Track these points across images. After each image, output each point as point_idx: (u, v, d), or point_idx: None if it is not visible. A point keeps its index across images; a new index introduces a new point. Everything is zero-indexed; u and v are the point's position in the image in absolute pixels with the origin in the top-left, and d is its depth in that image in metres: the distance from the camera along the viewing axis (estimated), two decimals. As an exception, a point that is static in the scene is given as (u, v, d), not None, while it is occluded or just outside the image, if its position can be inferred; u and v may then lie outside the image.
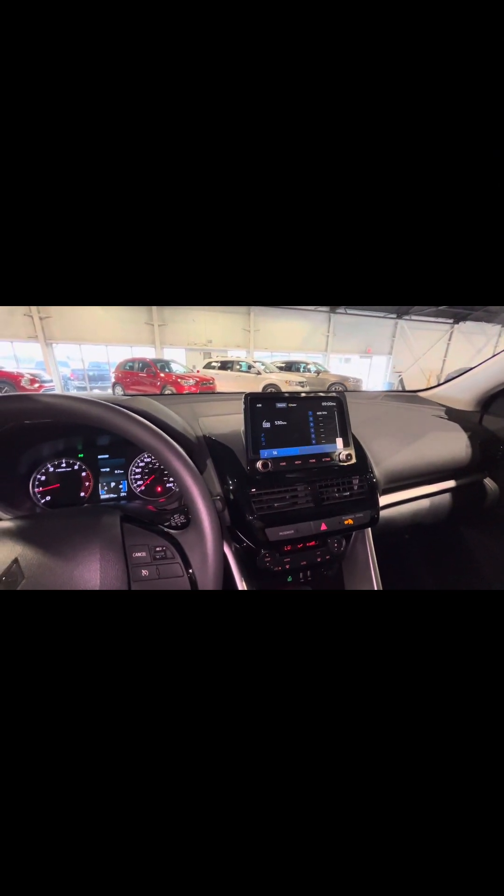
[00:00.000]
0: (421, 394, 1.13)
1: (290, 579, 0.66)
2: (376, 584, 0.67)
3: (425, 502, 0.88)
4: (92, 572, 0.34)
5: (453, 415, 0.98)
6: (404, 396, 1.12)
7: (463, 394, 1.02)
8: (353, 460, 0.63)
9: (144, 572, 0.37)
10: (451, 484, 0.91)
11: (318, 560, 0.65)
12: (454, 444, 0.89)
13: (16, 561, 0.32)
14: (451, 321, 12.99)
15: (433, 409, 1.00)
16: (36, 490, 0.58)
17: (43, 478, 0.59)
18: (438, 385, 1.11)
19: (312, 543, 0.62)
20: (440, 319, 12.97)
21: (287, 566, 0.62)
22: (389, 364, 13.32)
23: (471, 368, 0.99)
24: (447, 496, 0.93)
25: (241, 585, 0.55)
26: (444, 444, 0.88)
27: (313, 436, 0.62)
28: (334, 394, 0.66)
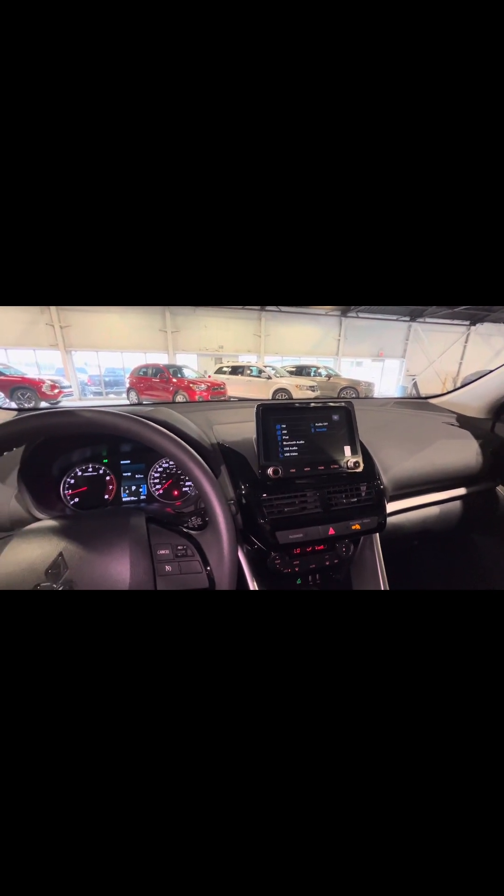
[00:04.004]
0: (432, 401, 1.14)
1: (299, 581, 0.69)
2: (384, 589, 0.69)
3: (435, 509, 0.89)
4: (124, 566, 0.38)
5: (465, 422, 0.98)
6: (414, 403, 1.12)
7: (475, 401, 1.02)
8: (361, 467, 0.65)
9: (168, 567, 0.41)
10: (461, 491, 0.91)
11: (327, 563, 0.67)
12: (465, 452, 0.90)
13: (61, 554, 0.37)
14: (467, 323, 12.66)
15: (444, 416, 1.01)
16: (66, 493, 0.63)
17: (72, 481, 0.64)
18: (451, 392, 1.11)
19: (321, 547, 0.65)
20: (456, 321, 12.66)
21: (296, 568, 0.65)
22: (403, 367, 13.09)
23: (489, 372, 0.98)
24: (457, 504, 0.92)
25: (253, 586, 0.58)
26: (454, 451, 0.88)
27: (322, 444, 0.65)
28: (343, 403, 0.68)
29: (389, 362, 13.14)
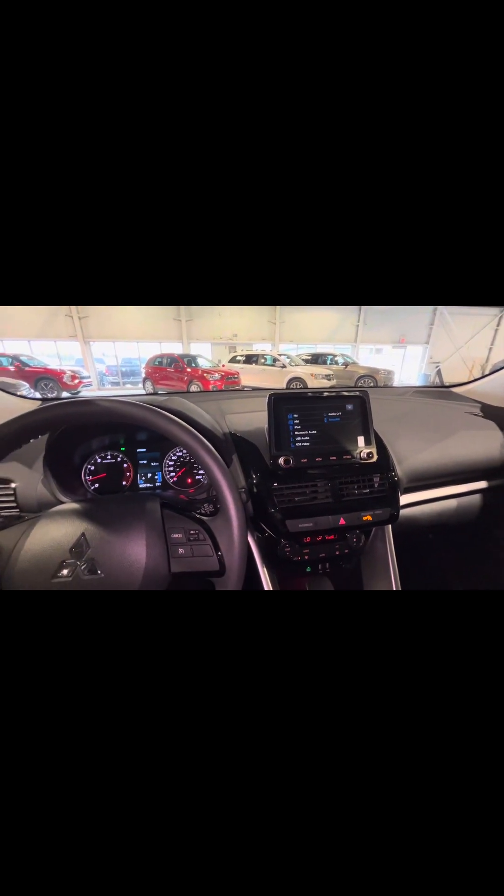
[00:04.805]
0: (455, 389, 1.08)
1: (308, 569, 0.70)
2: (395, 582, 0.69)
3: (452, 502, 0.86)
4: (140, 547, 0.41)
5: (490, 412, 0.93)
6: (436, 392, 1.07)
7: (501, 390, 0.96)
8: (375, 458, 0.64)
9: (181, 551, 0.43)
10: (482, 485, 0.87)
11: (337, 553, 0.68)
12: (487, 443, 0.85)
13: (83, 534, 0.40)
14: (500, 305, 11.69)
15: (467, 405, 0.96)
16: (87, 478, 0.67)
17: (92, 468, 0.68)
18: (476, 380, 1.05)
19: (332, 537, 0.65)
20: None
21: (306, 557, 0.66)
22: (426, 354, 12.39)
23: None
24: (477, 497, 0.89)
25: (263, 573, 0.60)
26: (475, 442, 0.84)
27: (335, 434, 0.64)
28: (357, 392, 0.67)
29: (412, 349, 12.48)
